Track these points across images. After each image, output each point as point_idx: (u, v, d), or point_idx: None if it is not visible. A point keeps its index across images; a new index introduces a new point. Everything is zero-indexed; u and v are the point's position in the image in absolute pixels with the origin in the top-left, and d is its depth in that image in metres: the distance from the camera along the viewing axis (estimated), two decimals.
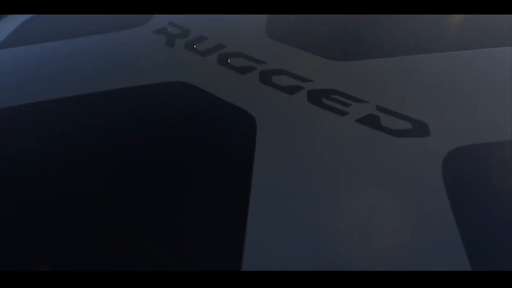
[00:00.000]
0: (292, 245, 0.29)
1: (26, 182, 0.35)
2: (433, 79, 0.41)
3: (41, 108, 0.42)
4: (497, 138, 0.34)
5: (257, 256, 0.29)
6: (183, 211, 0.32)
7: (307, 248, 0.29)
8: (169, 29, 0.51)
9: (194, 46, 0.48)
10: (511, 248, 0.28)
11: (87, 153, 0.37)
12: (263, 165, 0.34)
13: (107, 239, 0.31)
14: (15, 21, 0.59)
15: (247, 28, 0.51)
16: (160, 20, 0.54)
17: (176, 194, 0.33)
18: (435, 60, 0.44)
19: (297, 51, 0.46)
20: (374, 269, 0.27)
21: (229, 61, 0.45)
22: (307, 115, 0.38)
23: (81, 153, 0.37)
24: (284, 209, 0.31)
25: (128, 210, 0.32)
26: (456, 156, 0.33)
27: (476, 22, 0.50)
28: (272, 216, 0.31)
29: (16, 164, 0.37)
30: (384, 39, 0.48)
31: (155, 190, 0.33)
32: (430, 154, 0.33)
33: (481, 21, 0.50)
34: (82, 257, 0.30)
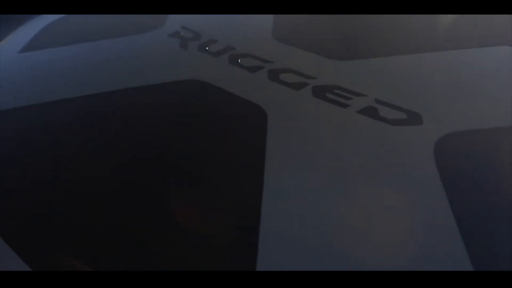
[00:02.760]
0: (296, 245, 0.30)
1: (41, 176, 0.37)
2: (426, 76, 0.46)
3: (63, 106, 0.45)
4: (481, 126, 0.39)
5: (271, 256, 0.29)
6: (195, 207, 0.33)
7: (310, 246, 0.30)
8: (182, 33, 0.56)
9: (207, 48, 0.52)
10: (503, 226, 0.31)
11: (105, 145, 0.40)
12: (274, 153, 0.38)
13: (114, 238, 0.32)
14: (35, 25, 0.63)
15: (255, 31, 0.55)
16: (172, 24, 0.58)
17: (191, 187, 0.35)
18: (429, 59, 0.48)
19: (301, 52, 0.50)
20: (372, 264, 0.29)
21: (239, 61, 0.49)
22: (313, 107, 0.42)
23: (100, 145, 0.40)
24: (294, 199, 0.34)
25: (140, 206, 0.34)
26: (446, 141, 0.37)
27: (465, 23, 0.55)
28: (284, 206, 0.33)
29: (35, 159, 0.39)
30: (380, 40, 0.52)
31: (170, 182, 0.35)
32: (423, 139, 0.38)
33: (470, 22, 0.55)
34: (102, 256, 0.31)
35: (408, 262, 0.29)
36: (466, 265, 0.28)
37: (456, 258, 0.29)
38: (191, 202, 0.34)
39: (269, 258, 0.30)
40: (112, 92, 0.46)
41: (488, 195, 0.33)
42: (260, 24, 0.57)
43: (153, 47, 0.53)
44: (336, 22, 0.56)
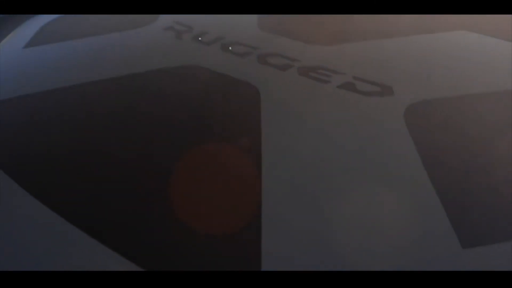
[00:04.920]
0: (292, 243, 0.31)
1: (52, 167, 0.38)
2: (397, 56, 0.52)
3: (74, 91, 0.49)
4: (445, 95, 0.45)
5: (275, 255, 0.29)
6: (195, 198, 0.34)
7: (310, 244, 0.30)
8: (175, 27, 0.61)
9: (199, 38, 0.57)
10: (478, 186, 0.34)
11: (111, 128, 0.43)
12: (268, 123, 0.43)
13: (113, 238, 0.32)
14: (34, 25, 0.67)
15: (242, 23, 0.60)
16: (165, 20, 0.63)
17: (192, 172, 0.37)
18: (399, 42, 0.55)
19: (285, 39, 0.56)
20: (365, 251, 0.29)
21: (230, 48, 0.54)
22: (298, 84, 0.47)
23: (106, 128, 0.43)
24: (290, 169, 0.38)
25: (139, 203, 0.34)
26: (414, 107, 0.44)
27: (428, 15, 0.62)
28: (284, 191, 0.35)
29: (51, 145, 0.42)
30: (357, 27, 0.59)
31: (174, 168, 0.37)
32: (395, 106, 0.44)
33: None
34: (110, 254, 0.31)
35: (392, 244, 0.30)
36: (452, 240, 0.29)
37: (440, 233, 0.30)
38: (192, 194, 0.35)
39: (274, 257, 0.29)
40: (118, 77, 0.51)
41: (458, 154, 0.39)
42: (247, 18, 0.62)
43: (151, 38, 0.58)
44: (315, 15, 0.62)
